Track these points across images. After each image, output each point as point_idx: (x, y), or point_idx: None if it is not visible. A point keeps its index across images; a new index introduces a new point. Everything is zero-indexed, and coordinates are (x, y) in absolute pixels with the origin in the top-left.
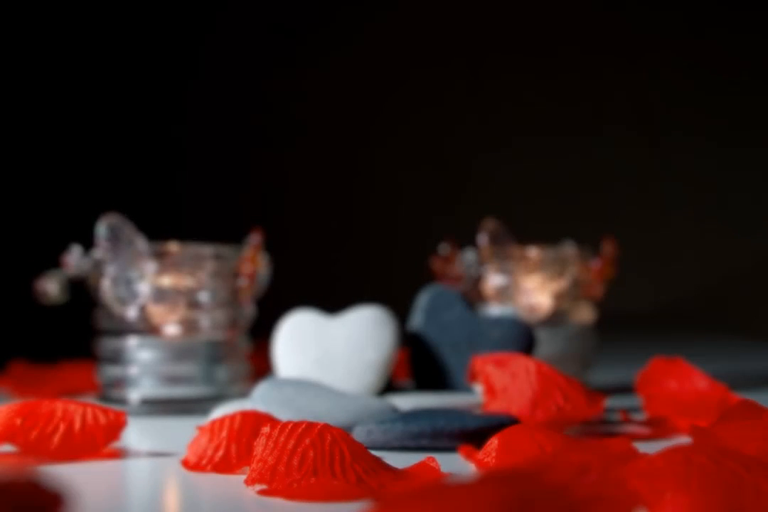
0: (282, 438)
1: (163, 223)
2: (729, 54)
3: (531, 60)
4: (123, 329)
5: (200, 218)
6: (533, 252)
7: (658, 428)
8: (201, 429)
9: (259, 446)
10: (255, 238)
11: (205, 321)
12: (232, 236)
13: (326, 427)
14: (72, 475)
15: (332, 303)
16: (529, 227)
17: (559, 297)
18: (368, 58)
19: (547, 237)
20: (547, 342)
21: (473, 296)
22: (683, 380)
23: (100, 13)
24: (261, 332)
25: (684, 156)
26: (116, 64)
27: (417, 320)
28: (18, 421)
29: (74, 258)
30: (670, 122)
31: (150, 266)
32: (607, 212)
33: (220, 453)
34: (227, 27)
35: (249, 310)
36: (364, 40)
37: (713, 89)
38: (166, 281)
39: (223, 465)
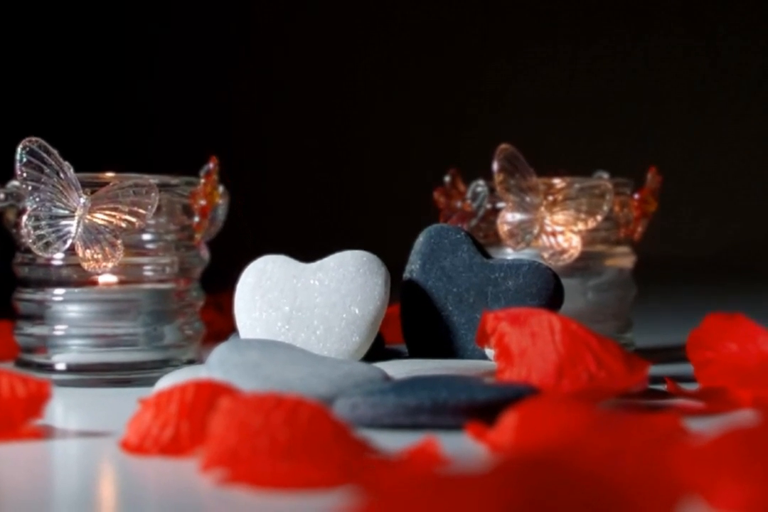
0: (246, 414)
1: (98, 149)
2: None
3: None
4: (47, 278)
5: (144, 142)
6: (559, 183)
7: (714, 401)
8: (144, 402)
9: (217, 424)
10: (210, 166)
11: (148, 268)
12: (184, 165)
13: (301, 400)
14: None
15: (308, 246)
16: (553, 153)
17: (590, 238)
18: None
19: (576, 165)
20: (576, 295)
21: (484, 237)
22: (745, 341)
23: None
24: (219, 282)
25: (748, 67)
26: None
27: (414, 266)
28: None
29: None
30: (729, 23)
31: (81, 200)
32: (649, 136)
33: (168, 432)
34: None
35: (203, 255)
36: None
37: None
38: (101, 218)
39: (173, 448)
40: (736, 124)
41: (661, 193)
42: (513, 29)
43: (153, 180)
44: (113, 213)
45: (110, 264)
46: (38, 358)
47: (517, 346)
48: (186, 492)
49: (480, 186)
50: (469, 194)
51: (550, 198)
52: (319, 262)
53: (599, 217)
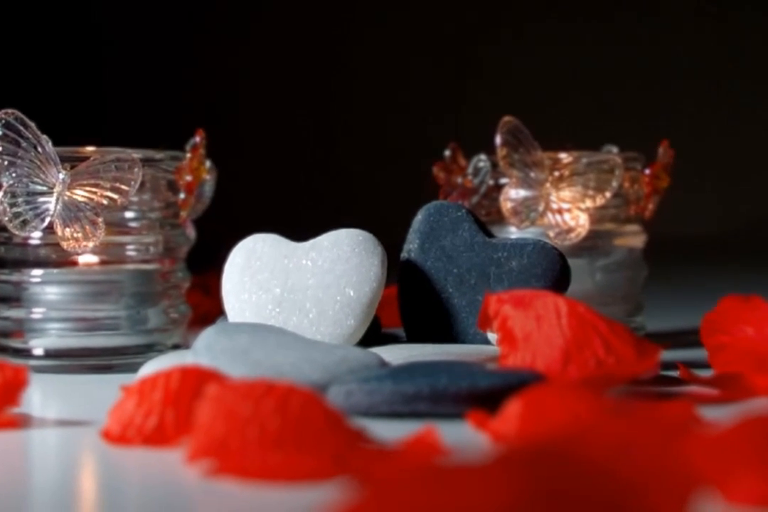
0: (234, 402)
1: (78, 121)
2: None
3: None
4: (24, 259)
5: (127, 115)
6: (565, 158)
7: (730, 388)
8: (127, 389)
9: (204, 412)
10: (197, 140)
11: (131, 247)
12: (169, 138)
13: (292, 387)
14: None
15: (301, 224)
16: (560, 126)
17: (598, 216)
18: None
19: (583, 139)
20: (583, 276)
21: (486, 214)
22: (762, 325)
23: None
24: (205, 263)
25: (763, 36)
26: None
27: (412, 246)
28: None
29: None
30: None
31: (60, 176)
32: (661, 108)
33: (152, 421)
34: None
35: (189, 234)
36: None
37: None
38: (81, 195)
39: (157, 437)
40: (753, 96)
41: (674, 168)
42: (518, 2)
43: (136, 154)
44: (94, 189)
45: (91, 244)
46: (15, 343)
47: (521, 330)
48: (171, 485)
49: (482, 161)
50: (470, 169)
51: (556, 173)
52: (311, 241)
53: (608, 194)
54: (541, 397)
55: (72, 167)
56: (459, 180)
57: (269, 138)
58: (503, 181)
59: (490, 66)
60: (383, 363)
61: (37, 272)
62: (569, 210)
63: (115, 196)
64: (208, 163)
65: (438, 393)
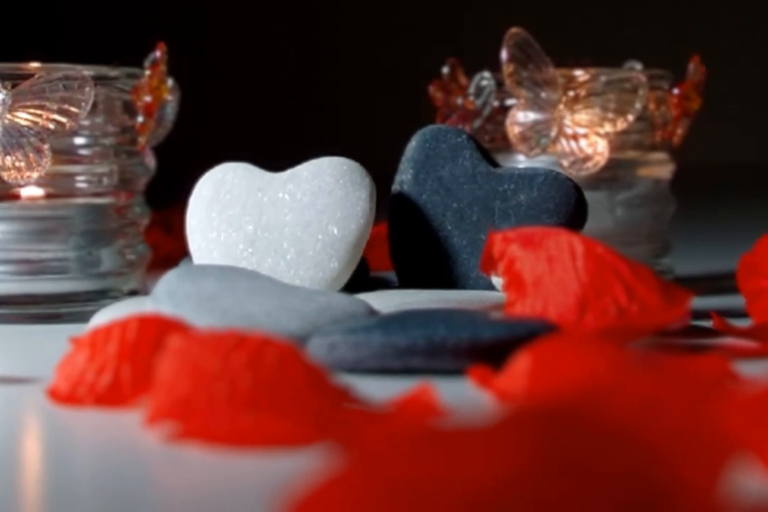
0: (200, 356)
1: (22, 34)
2: None
3: None
4: None
5: (77, 25)
6: (581, 76)
7: None
8: (77, 342)
9: (166, 367)
10: (157, 55)
11: (81, 178)
12: (125, 53)
13: (267, 339)
14: None
15: (277, 152)
16: (576, 40)
17: (619, 142)
18: None
19: (603, 55)
20: (602, 211)
21: (490, 140)
22: None
23: None
24: (167, 197)
25: None
26: None
27: (405, 177)
28: None
29: None
30: None
31: None
32: (692, 19)
33: (106, 377)
34: None
35: (148, 163)
36: None
37: None
38: (24, 118)
39: (111, 396)
40: None
41: (706, 87)
42: None
43: (87, 71)
44: (39, 111)
45: (35, 174)
46: None
47: (530, 274)
48: (127, 451)
49: (485, 79)
50: (472, 89)
51: (571, 93)
52: (289, 172)
53: (630, 117)
54: (553, 351)
55: (13, 86)
56: (459, 101)
57: (240, 52)
58: (510, 102)
59: None
60: (372, 312)
61: None
62: (586, 135)
63: (64, 120)
64: (170, 82)
65: (435, 346)
